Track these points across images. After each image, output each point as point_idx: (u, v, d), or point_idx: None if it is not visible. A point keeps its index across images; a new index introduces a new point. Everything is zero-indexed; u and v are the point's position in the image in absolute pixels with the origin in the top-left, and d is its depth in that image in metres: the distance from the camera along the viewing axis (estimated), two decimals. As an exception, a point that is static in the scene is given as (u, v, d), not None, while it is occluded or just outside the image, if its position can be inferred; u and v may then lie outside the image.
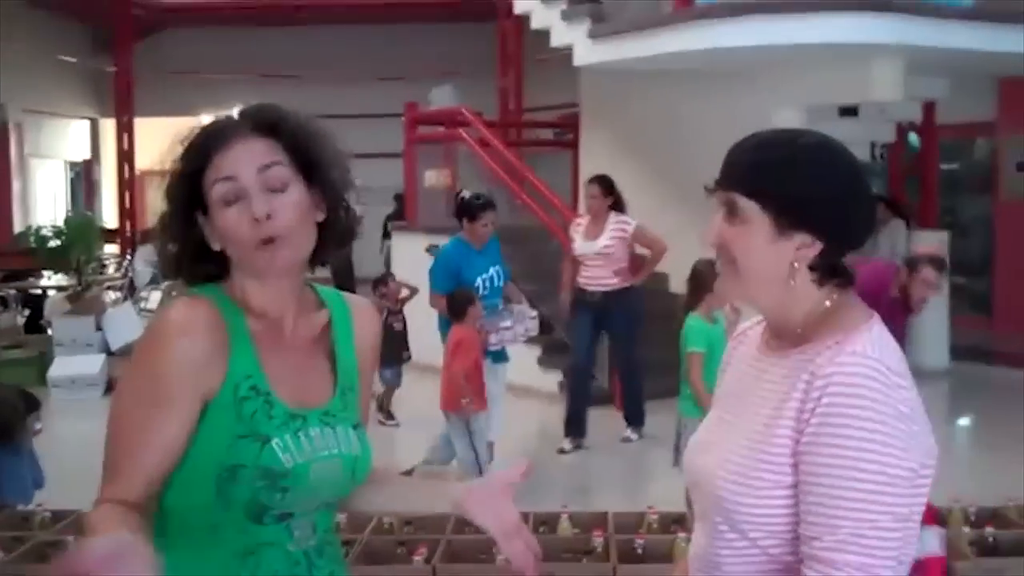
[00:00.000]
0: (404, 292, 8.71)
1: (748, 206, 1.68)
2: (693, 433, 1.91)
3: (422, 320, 8.14)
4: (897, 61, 8.70)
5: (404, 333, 8.62)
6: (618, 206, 7.80)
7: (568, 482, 7.04)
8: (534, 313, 7.08)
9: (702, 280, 5.40)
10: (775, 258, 1.68)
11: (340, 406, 1.87)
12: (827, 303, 1.70)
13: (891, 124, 10.74)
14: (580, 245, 7.78)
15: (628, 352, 7.97)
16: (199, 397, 1.71)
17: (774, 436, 1.63)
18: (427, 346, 7.86)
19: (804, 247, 1.67)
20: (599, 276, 7.70)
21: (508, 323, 6.84)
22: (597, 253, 7.67)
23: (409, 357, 8.69)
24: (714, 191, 1.74)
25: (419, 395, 8.34)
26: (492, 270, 6.93)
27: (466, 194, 7.37)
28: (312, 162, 1.79)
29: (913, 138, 12.42)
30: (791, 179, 1.65)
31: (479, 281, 6.77)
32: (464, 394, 6.33)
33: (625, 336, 7.88)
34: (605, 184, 7.82)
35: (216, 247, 1.78)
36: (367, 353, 1.98)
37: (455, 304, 6.44)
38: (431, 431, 7.02)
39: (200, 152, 1.76)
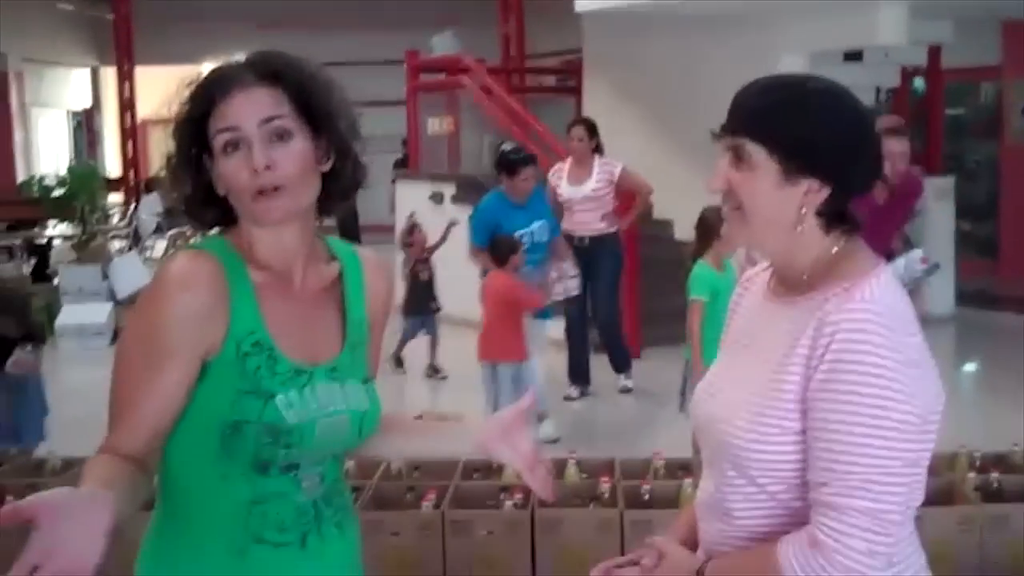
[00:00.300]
0: (430, 241, 8.59)
1: (755, 151, 1.66)
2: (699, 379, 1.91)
3: (452, 272, 8.17)
4: (901, 5, 8.63)
5: (431, 283, 8.49)
6: (599, 149, 7.66)
7: (575, 429, 7.08)
8: (575, 272, 6.94)
9: (709, 227, 5.38)
10: (782, 203, 1.67)
11: (348, 361, 1.86)
12: (834, 249, 1.69)
13: (896, 69, 10.68)
14: (567, 189, 7.57)
15: (613, 298, 7.78)
16: (200, 352, 1.70)
17: (782, 383, 1.63)
18: (460, 298, 7.88)
19: (811, 192, 1.66)
20: (586, 221, 7.52)
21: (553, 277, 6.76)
22: (585, 197, 7.50)
23: (438, 308, 8.56)
24: (720, 136, 1.73)
25: (453, 349, 8.38)
26: (535, 225, 6.77)
27: (506, 147, 7.23)
28: (317, 112, 1.77)
29: (918, 83, 12.35)
30: (798, 124, 1.64)
31: (518, 236, 6.63)
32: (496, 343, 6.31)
33: (612, 282, 7.69)
34: (589, 126, 7.68)
35: (222, 192, 1.77)
36: (379, 307, 1.96)
37: (498, 249, 6.37)
38: (470, 384, 6.94)
39: (204, 98, 1.74)
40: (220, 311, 1.71)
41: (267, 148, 1.71)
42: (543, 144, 9.90)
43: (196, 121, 1.74)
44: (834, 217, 1.69)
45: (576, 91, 12.73)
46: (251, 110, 1.72)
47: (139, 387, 1.69)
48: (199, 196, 1.79)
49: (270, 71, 1.75)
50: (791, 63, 9.57)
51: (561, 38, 14.02)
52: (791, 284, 1.73)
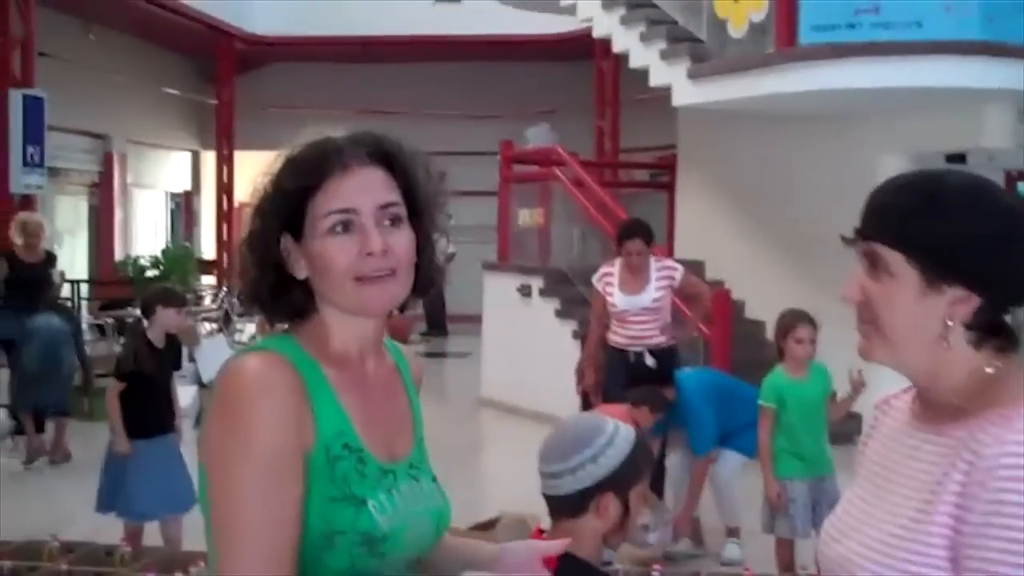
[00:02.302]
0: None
1: (892, 257, 1.48)
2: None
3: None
4: (1008, 106, 8.42)
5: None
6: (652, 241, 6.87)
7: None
8: None
9: (782, 330, 5.31)
10: (924, 316, 1.47)
11: (420, 455, 1.77)
12: (988, 368, 1.48)
13: (999, 172, 10.39)
14: (621, 300, 6.71)
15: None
16: (301, 461, 1.56)
17: (929, 525, 1.41)
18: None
19: (958, 302, 1.46)
20: (645, 335, 6.71)
21: None
22: (644, 308, 6.69)
23: None
24: (853, 241, 1.54)
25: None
26: None
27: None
28: (420, 201, 1.70)
29: (1023, 187, 12.02)
30: (939, 225, 1.45)
31: None
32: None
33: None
34: (647, 234, 6.75)
35: (301, 275, 1.64)
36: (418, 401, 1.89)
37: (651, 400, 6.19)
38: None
39: (313, 172, 1.63)
40: (306, 414, 1.57)
41: (383, 232, 1.62)
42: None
43: (294, 195, 1.63)
44: (986, 330, 1.48)
45: (669, 186, 12.63)
46: (369, 192, 1.63)
47: (269, 516, 1.52)
48: (272, 278, 1.66)
49: (383, 153, 1.67)
50: (891, 164, 9.38)
51: (655, 133, 13.97)
52: (938, 409, 1.51)
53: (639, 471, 2.27)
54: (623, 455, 2.22)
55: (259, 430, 1.52)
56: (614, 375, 6.76)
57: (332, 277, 1.61)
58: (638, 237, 6.67)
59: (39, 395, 8.67)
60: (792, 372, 5.32)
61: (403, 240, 1.64)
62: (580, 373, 7.17)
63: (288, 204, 1.63)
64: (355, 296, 1.62)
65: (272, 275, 1.65)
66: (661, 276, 6.71)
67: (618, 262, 6.79)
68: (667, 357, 6.72)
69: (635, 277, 6.70)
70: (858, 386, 5.09)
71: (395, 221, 1.63)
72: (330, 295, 1.64)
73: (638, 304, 6.69)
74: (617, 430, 2.26)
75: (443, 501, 1.77)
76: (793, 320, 5.31)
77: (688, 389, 6.27)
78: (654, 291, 6.68)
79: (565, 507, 2.23)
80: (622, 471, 2.21)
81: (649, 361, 6.28)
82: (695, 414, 6.19)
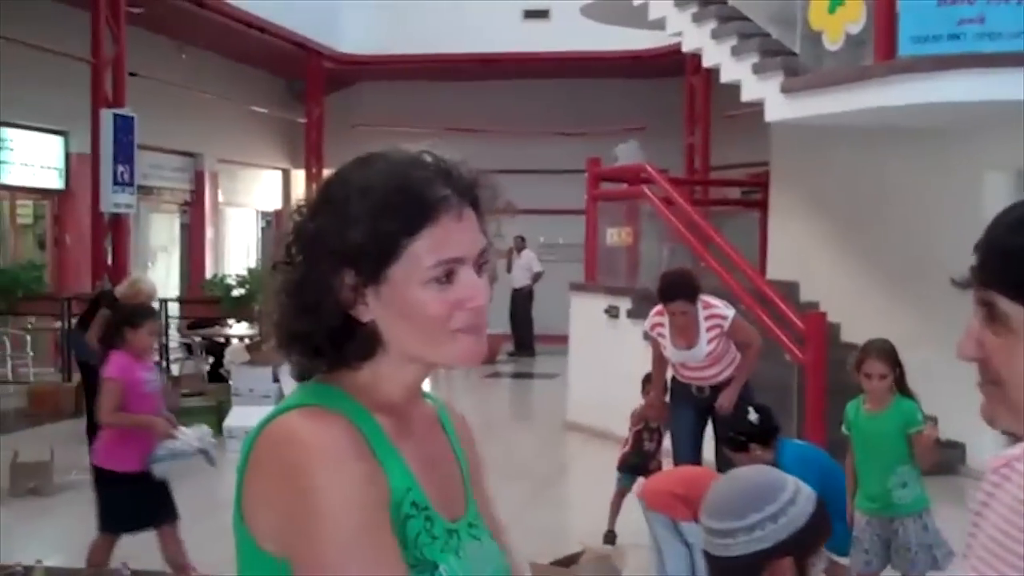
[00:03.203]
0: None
1: (1011, 309, 1.22)
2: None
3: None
4: (1125, 119, 7.96)
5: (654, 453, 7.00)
6: (699, 291, 6.44)
7: None
8: None
9: (857, 362, 5.07)
10: None
11: (475, 513, 1.59)
12: None
13: (1113, 188, 9.90)
14: (675, 355, 6.51)
15: None
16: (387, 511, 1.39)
17: None
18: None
19: None
20: (708, 376, 6.51)
21: None
22: (700, 363, 6.47)
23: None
24: (966, 286, 1.28)
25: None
26: None
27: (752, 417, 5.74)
28: (489, 239, 1.50)
29: None
30: None
31: None
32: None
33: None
34: (690, 293, 6.34)
35: (366, 318, 1.44)
36: (474, 454, 1.68)
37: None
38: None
39: (419, 216, 1.41)
40: (377, 471, 1.40)
41: (483, 283, 1.46)
42: (723, 258, 9.50)
43: (385, 239, 1.40)
44: None
45: (762, 205, 12.30)
46: (473, 238, 1.46)
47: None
48: (343, 324, 1.44)
49: (470, 190, 1.47)
50: (996, 181, 8.97)
51: (747, 150, 13.68)
52: None
53: (822, 535, 2.03)
54: (807, 516, 1.99)
55: (338, 496, 1.32)
56: (680, 401, 6.61)
57: (423, 326, 1.43)
58: (680, 299, 6.31)
59: None
60: (868, 404, 5.07)
61: (488, 288, 1.47)
62: (637, 417, 6.95)
63: (374, 246, 1.40)
64: (451, 348, 1.44)
65: (334, 319, 1.43)
66: (711, 327, 6.39)
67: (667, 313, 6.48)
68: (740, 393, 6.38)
69: (684, 333, 6.43)
70: (926, 446, 4.85)
71: (483, 268, 1.47)
72: (412, 344, 1.45)
73: (693, 359, 6.47)
74: (799, 488, 2.03)
75: (503, 559, 1.60)
76: (863, 354, 5.07)
77: (787, 460, 5.91)
78: (705, 344, 6.39)
79: (733, 570, 2.00)
80: (805, 534, 1.98)
81: (752, 416, 5.93)
82: None
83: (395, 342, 1.44)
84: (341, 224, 1.40)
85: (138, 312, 5.79)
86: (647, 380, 6.98)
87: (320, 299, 1.42)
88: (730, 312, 6.47)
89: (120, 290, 9.30)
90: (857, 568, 5.10)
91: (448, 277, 1.41)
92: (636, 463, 6.82)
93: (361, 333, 1.44)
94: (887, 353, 5.00)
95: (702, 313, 6.40)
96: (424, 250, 1.40)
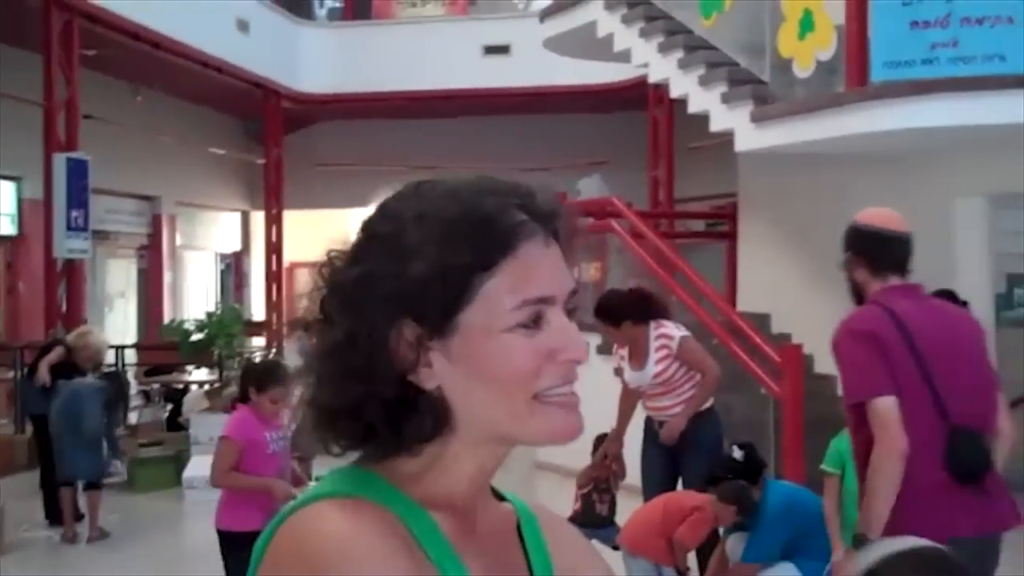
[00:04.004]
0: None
1: None
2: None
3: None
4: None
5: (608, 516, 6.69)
6: (651, 313, 6.20)
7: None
8: None
9: None
10: None
11: None
12: None
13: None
14: (631, 376, 6.27)
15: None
16: None
17: None
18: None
19: None
20: (664, 407, 6.20)
21: None
22: (651, 384, 6.17)
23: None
24: None
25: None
26: None
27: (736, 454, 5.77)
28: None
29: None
30: None
31: None
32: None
33: (701, 474, 5.98)
34: (606, 314, 6.24)
35: (430, 384, 1.13)
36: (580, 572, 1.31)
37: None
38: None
39: (499, 243, 1.12)
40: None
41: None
42: (693, 291, 9.32)
43: (454, 276, 1.12)
44: None
45: (730, 236, 12.16)
46: (561, 275, 1.16)
47: None
48: (402, 394, 1.13)
49: (551, 219, 1.18)
50: (967, 206, 8.86)
51: (711, 182, 13.58)
52: None
53: None
54: None
55: None
56: (648, 439, 6.33)
57: (506, 387, 1.12)
58: (598, 319, 6.23)
59: (64, 464, 8.24)
60: None
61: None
62: (584, 478, 6.60)
63: (439, 285, 1.11)
64: (538, 420, 1.14)
65: (389, 387, 1.13)
66: (659, 347, 6.10)
67: None
68: (696, 424, 6.12)
69: (637, 349, 6.19)
70: None
71: (572, 315, 1.17)
72: (489, 413, 1.14)
73: (643, 380, 6.19)
74: None
75: None
76: None
77: (773, 502, 5.71)
78: (652, 364, 6.11)
79: None
80: None
81: (736, 454, 5.72)
82: (767, 529, 5.63)
83: (466, 414, 1.14)
84: (395, 262, 1.12)
85: (266, 376, 5.29)
86: (599, 441, 6.58)
87: (372, 360, 1.12)
88: (679, 333, 6.17)
89: (70, 339, 9.01)
90: None
91: (536, 322, 1.13)
92: (589, 524, 6.32)
93: (424, 404, 1.13)
94: None
95: (653, 333, 6.13)
96: (504, 289, 1.11)
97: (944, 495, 3.44)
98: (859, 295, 3.77)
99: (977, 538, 3.48)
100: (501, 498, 1.30)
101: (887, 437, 3.38)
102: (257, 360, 6.44)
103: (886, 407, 3.40)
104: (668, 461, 6.26)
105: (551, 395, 1.13)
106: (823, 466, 5.05)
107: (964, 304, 7.77)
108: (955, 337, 3.68)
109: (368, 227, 1.18)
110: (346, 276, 1.15)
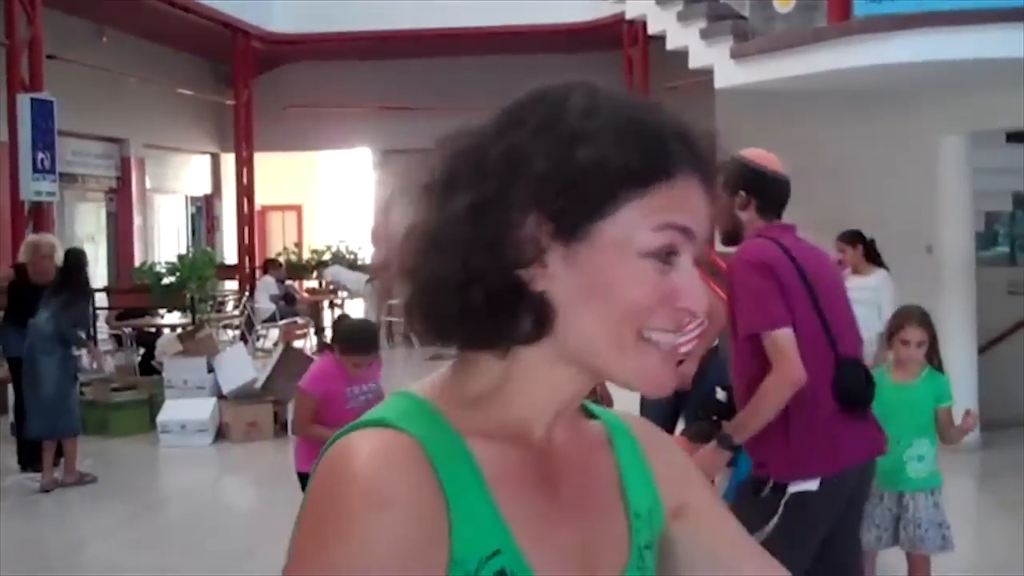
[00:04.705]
0: None
1: None
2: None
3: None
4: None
5: None
6: None
7: None
8: None
9: (890, 332, 4.83)
10: None
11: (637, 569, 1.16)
12: None
13: (1061, 153, 9.77)
14: None
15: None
16: None
17: None
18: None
19: None
20: None
21: None
22: None
23: None
24: None
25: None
26: None
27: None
28: None
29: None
30: None
31: None
32: None
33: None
34: None
35: (539, 286, 1.04)
36: (678, 492, 1.23)
37: None
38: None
39: (656, 160, 1.04)
40: (439, 531, 1.01)
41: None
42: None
43: (608, 179, 1.02)
44: None
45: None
46: (705, 216, 1.08)
47: None
48: (510, 289, 1.04)
49: (707, 161, 1.09)
50: (950, 144, 8.79)
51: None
52: None
53: None
54: None
55: (361, 565, 0.98)
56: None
57: (619, 313, 1.04)
58: None
59: (30, 423, 8.06)
60: (896, 373, 4.84)
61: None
62: None
63: (595, 182, 1.02)
64: (634, 359, 1.05)
65: (499, 279, 1.03)
66: None
67: None
68: (704, 364, 5.97)
69: None
70: (965, 428, 4.79)
71: (697, 263, 1.09)
72: (592, 336, 1.05)
73: None
74: None
75: None
76: (901, 319, 4.89)
77: None
78: None
79: None
80: None
81: (720, 395, 5.62)
82: (745, 463, 5.57)
83: (568, 329, 1.05)
84: (555, 144, 1.02)
85: (352, 342, 5.13)
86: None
87: (494, 238, 1.02)
88: None
89: (20, 259, 8.80)
90: (868, 545, 4.89)
91: (667, 258, 1.04)
92: None
93: (529, 303, 1.04)
94: (926, 320, 4.85)
95: None
96: (653, 208, 1.03)
97: (837, 424, 3.53)
98: (733, 234, 3.75)
99: (864, 463, 3.67)
100: (593, 416, 1.22)
101: (786, 367, 3.41)
102: (350, 319, 6.17)
103: (786, 338, 3.43)
104: (671, 409, 6.17)
105: (657, 338, 1.05)
106: None
107: (872, 243, 7.89)
108: (831, 273, 3.86)
109: (516, 110, 1.09)
110: (490, 142, 1.06)
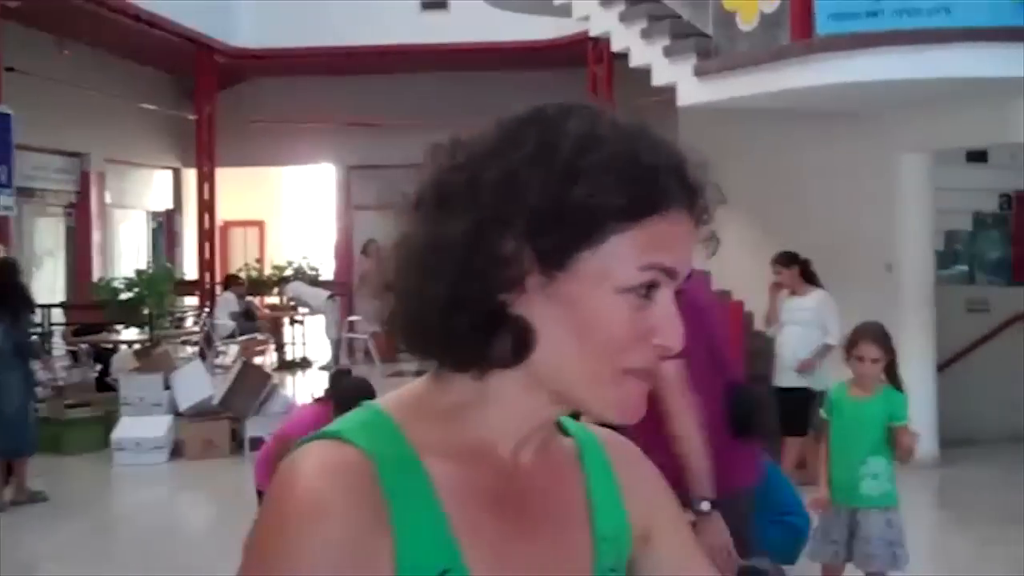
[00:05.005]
0: None
1: None
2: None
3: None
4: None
5: None
6: None
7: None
8: None
9: (848, 346, 4.87)
10: None
11: None
12: None
13: (1021, 172, 9.89)
14: None
15: None
16: None
17: None
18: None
19: None
20: None
21: None
22: None
23: None
24: None
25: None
26: None
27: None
28: None
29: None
30: None
31: None
32: None
33: None
34: None
35: (517, 311, 1.03)
36: (650, 511, 1.22)
37: None
38: None
39: (648, 196, 1.03)
40: (380, 546, 1.00)
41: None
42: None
43: (593, 214, 1.02)
44: None
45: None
46: (689, 255, 1.08)
47: None
48: (495, 313, 1.04)
49: (697, 195, 1.08)
50: (911, 162, 8.83)
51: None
52: None
53: None
54: None
55: (293, 565, 0.98)
56: None
57: (594, 348, 1.04)
58: None
59: None
60: (854, 389, 4.90)
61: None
62: None
63: (581, 216, 1.02)
64: (611, 392, 1.05)
65: (484, 303, 1.03)
66: None
67: None
68: None
69: None
70: (905, 449, 4.77)
71: (678, 296, 1.09)
72: (567, 367, 1.05)
73: None
74: None
75: None
76: (856, 336, 4.93)
77: None
78: None
79: None
80: None
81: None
82: None
83: (544, 356, 1.04)
84: (551, 177, 1.02)
85: (351, 404, 5.09)
86: None
87: (490, 262, 1.02)
88: None
89: None
90: (824, 559, 4.92)
91: (647, 294, 1.04)
92: None
93: (510, 327, 1.03)
94: (882, 337, 4.85)
95: None
96: (638, 245, 1.03)
97: (729, 449, 3.53)
98: None
99: (752, 487, 3.73)
100: (566, 434, 1.22)
101: (678, 397, 3.37)
102: (349, 378, 5.97)
103: (675, 370, 3.35)
104: None
105: (634, 371, 1.05)
106: (822, 413, 5.07)
107: (807, 263, 7.96)
108: (712, 299, 3.95)
109: (516, 129, 1.08)
110: (485, 162, 1.05)
